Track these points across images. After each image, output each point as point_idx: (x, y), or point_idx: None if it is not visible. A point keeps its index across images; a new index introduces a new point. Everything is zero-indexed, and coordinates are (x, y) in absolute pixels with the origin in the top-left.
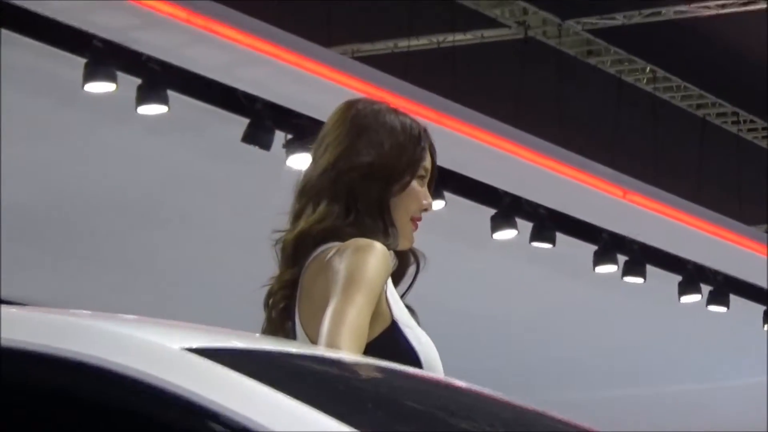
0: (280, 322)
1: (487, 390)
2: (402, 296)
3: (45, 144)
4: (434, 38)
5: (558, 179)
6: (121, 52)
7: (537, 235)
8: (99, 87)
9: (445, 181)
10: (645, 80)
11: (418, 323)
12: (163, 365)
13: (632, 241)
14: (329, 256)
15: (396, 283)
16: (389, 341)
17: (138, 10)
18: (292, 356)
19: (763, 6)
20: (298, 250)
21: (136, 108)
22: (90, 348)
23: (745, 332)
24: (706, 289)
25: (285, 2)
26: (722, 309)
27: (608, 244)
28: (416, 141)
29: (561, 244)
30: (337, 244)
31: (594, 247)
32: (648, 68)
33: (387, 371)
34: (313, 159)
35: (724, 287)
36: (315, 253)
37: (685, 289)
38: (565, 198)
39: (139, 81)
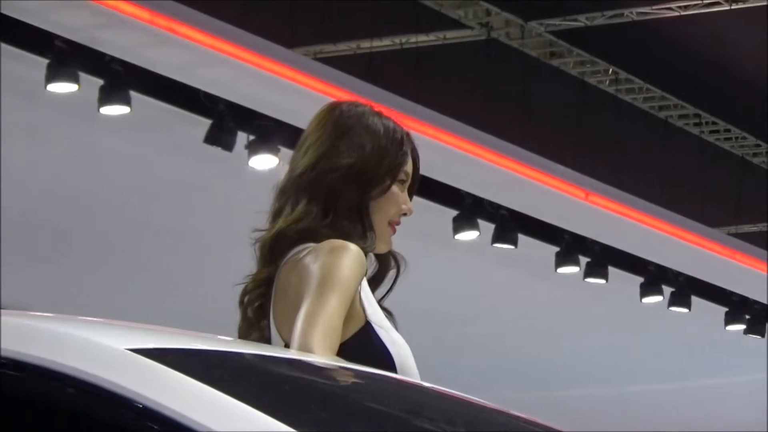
0: (255, 321)
1: (441, 388)
2: (381, 299)
3: (7, 144)
4: (397, 39)
5: (520, 180)
6: (84, 52)
7: (499, 237)
8: (61, 87)
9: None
10: (607, 82)
11: (395, 326)
12: (106, 365)
13: (594, 242)
14: (303, 256)
15: (375, 287)
16: (362, 342)
17: (101, 11)
18: (240, 356)
19: (725, 8)
20: (274, 250)
21: (99, 108)
22: (33, 348)
23: (706, 333)
24: (667, 290)
25: (247, 3)
26: (684, 310)
27: (570, 246)
28: (398, 145)
29: (523, 246)
30: (311, 245)
31: (556, 249)
32: (610, 70)
33: (337, 371)
34: (294, 159)
35: (685, 288)
36: (290, 254)
37: (646, 290)
38: (527, 199)
39: (101, 82)
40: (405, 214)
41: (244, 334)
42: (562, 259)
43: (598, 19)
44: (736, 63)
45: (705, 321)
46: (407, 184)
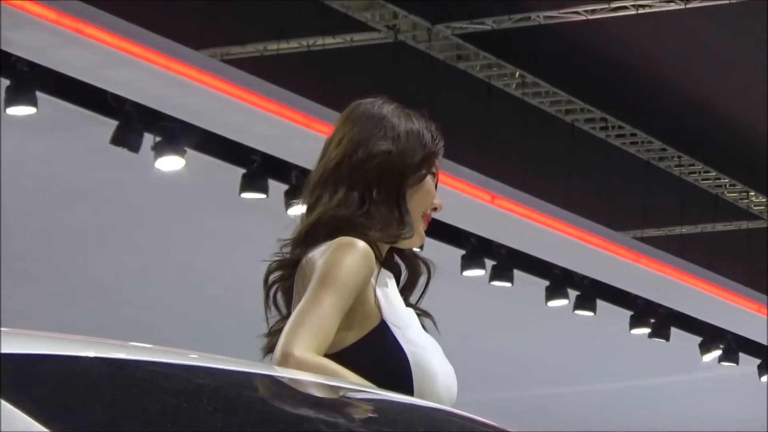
0: (274, 301)
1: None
2: (417, 303)
3: None
4: (304, 41)
5: None
6: None
7: None
8: None
9: None
10: (514, 85)
11: (425, 328)
12: None
13: (500, 246)
14: (322, 250)
15: (409, 292)
16: (376, 340)
17: (7, 10)
18: (30, 359)
19: (632, 12)
20: (308, 236)
21: (5, 109)
22: None
23: (611, 337)
24: (573, 293)
25: (155, 4)
26: (589, 313)
27: (476, 249)
28: (432, 135)
29: (428, 248)
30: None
31: (462, 252)
32: (517, 73)
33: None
34: (325, 154)
35: (591, 292)
36: (320, 246)
37: (552, 293)
38: None
39: (7, 82)
40: (436, 209)
41: (269, 317)
42: (467, 262)
43: (505, 22)
44: (642, 67)
45: (610, 324)
46: (437, 177)
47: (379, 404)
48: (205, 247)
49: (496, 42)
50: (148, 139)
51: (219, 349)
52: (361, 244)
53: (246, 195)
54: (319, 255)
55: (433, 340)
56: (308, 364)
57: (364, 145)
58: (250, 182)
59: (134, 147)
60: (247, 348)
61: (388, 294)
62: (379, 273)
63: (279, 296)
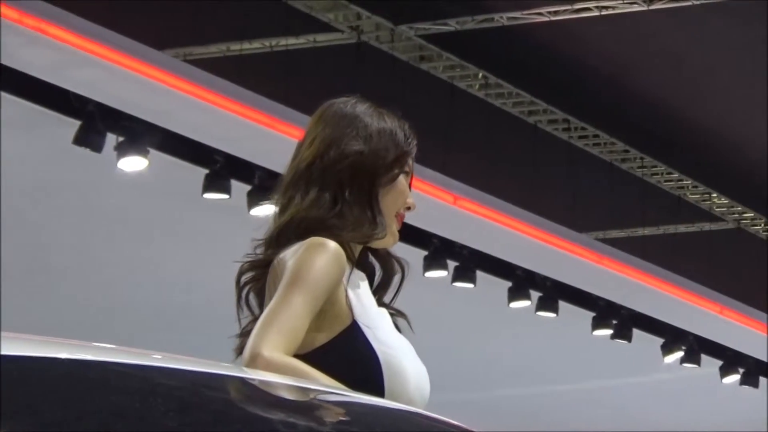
0: (246, 302)
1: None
2: (390, 302)
3: None
4: (267, 42)
5: None
6: None
7: None
8: None
9: (273, 185)
10: (477, 86)
11: (398, 328)
12: None
13: (462, 247)
14: (293, 251)
15: (383, 292)
16: (347, 341)
17: None
18: None
19: (595, 14)
20: (280, 237)
21: None
22: None
23: (573, 338)
24: (535, 295)
25: (117, 4)
26: (551, 315)
27: (438, 249)
28: (405, 134)
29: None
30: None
31: (424, 252)
32: (480, 74)
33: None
34: (297, 154)
35: (553, 293)
36: (291, 246)
37: (514, 294)
38: None
39: None
40: (409, 208)
41: (241, 317)
42: (430, 263)
43: (469, 23)
44: (605, 69)
45: (572, 326)
46: (410, 177)
47: (345, 406)
48: (167, 247)
49: (459, 43)
50: (111, 139)
51: (184, 349)
52: (332, 244)
53: (208, 195)
54: (290, 255)
55: (406, 340)
56: (277, 365)
57: (336, 146)
58: (213, 182)
59: (97, 147)
60: (212, 348)
61: (360, 294)
62: (351, 273)
63: (251, 297)
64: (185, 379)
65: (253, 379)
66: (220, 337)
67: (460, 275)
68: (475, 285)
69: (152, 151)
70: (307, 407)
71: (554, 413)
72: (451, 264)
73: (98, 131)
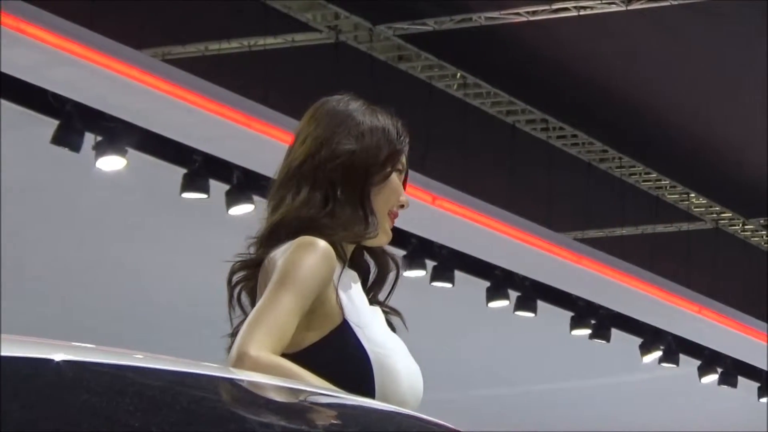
0: (238, 302)
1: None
2: (385, 300)
3: None
4: (245, 41)
5: None
6: None
7: None
8: None
9: (251, 185)
10: (455, 86)
11: (393, 326)
12: None
13: (441, 247)
14: (283, 249)
15: (378, 289)
16: (337, 340)
17: None
18: None
19: (573, 14)
20: (271, 237)
21: None
22: None
23: (552, 338)
24: (514, 294)
25: (96, 4)
26: (530, 314)
27: (417, 250)
28: (397, 132)
29: None
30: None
31: (403, 252)
32: (458, 74)
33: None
34: (290, 153)
35: (532, 293)
36: (282, 246)
37: (493, 294)
38: None
39: None
40: (403, 206)
41: (233, 317)
42: (408, 263)
43: (447, 23)
44: (583, 69)
45: (550, 325)
46: (404, 175)
47: (335, 407)
48: (145, 246)
49: (437, 43)
50: (89, 139)
51: (166, 350)
52: (321, 243)
53: (187, 195)
54: (280, 254)
55: (399, 339)
56: (264, 364)
57: (327, 144)
58: (191, 182)
59: (75, 147)
60: (194, 348)
61: (351, 293)
62: (342, 272)
63: (243, 296)
64: (168, 379)
65: (240, 380)
66: (201, 336)
67: (438, 275)
68: (453, 285)
69: (130, 151)
70: (295, 409)
71: (532, 413)
72: (430, 264)
73: (76, 131)
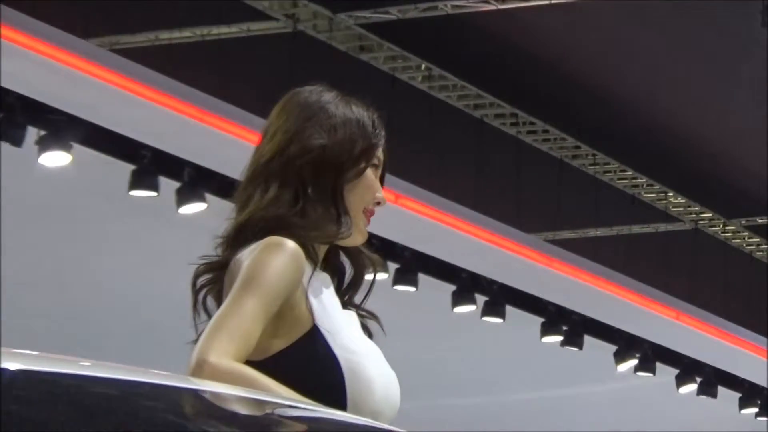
0: (203, 306)
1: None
2: (361, 303)
3: None
4: (198, 31)
5: None
6: None
7: None
8: None
9: (209, 184)
10: (420, 78)
11: (369, 331)
12: None
13: (404, 248)
14: (250, 250)
15: (354, 291)
16: (306, 347)
17: None
18: None
19: (545, 2)
20: (238, 237)
21: None
22: None
23: (521, 345)
24: (481, 299)
25: None
26: (498, 320)
27: (378, 251)
28: (372, 125)
29: None
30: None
31: None
32: (423, 65)
33: None
34: (259, 148)
35: (500, 297)
36: (249, 246)
37: (458, 298)
38: None
39: None
40: (379, 204)
41: (198, 323)
42: None
43: (411, 11)
44: (555, 60)
45: (520, 332)
46: (380, 171)
47: (302, 421)
48: (91, 246)
49: (401, 32)
50: (32, 133)
51: (110, 356)
52: (289, 244)
53: (135, 193)
54: (246, 256)
55: (374, 345)
56: (225, 372)
57: (297, 139)
58: (140, 179)
59: (17, 141)
60: (140, 355)
61: (323, 297)
62: (312, 275)
63: (209, 301)
64: (117, 389)
65: (197, 389)
66: (148, 342)
67: (401, 278)
68: (417, 289)
69: (76, 146)
70: (259, 422)
71: (500, 425)
72: (392, 266)
73: (18, 124)
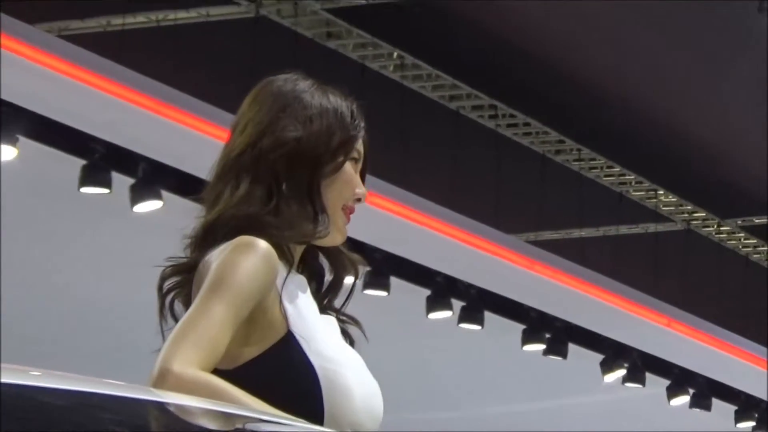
0: (170, 311)
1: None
2: (341, 308)
3: None
4: (153, 16)
5: None
6: None
7: None
8: None
9: (165, 181)
10: (392, 67)
11: (349, 337)
12: None
13: (375, 250)
14: (219, 250)
15: (334, 294)
16: (279, 355)
17: None
18: None
19: None
20: (206, 238)
21: None
22: None
23: (501, 353)
24: (458, 304)
25: None
26: (476, 327)
27: None
28: (351, 116)
29: None
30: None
31: None
32: (395, 54)
33: None
34: (230, 141)
35: (478, 303)
36: (219, 246)
37: (434, 304)
38: None
39: None
40: (360, 200)
41: (165, 329)
42: None
43: None
44: (537, 50)
45: (499, 340)
46: (360, 165)
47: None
48: (38, 246)
49: (371, 18)
50: None
51: (56, 365)
52: (261, 244)
53: (86, 189)
54: (215, 257)
55: (354, 352)
56: (190, 382)
57: (270, 131)
58: (91, 175)
59: None
60: (88, 364)
61: (298, 302)
62: (287, 277)
63: (177, 305)
64: (68, 400)
65: (159, 401)
66: (98, 350)
67: (372, 283)
68: (389, 293)
69: (22, 139)
70: None
71: None
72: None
73: None
